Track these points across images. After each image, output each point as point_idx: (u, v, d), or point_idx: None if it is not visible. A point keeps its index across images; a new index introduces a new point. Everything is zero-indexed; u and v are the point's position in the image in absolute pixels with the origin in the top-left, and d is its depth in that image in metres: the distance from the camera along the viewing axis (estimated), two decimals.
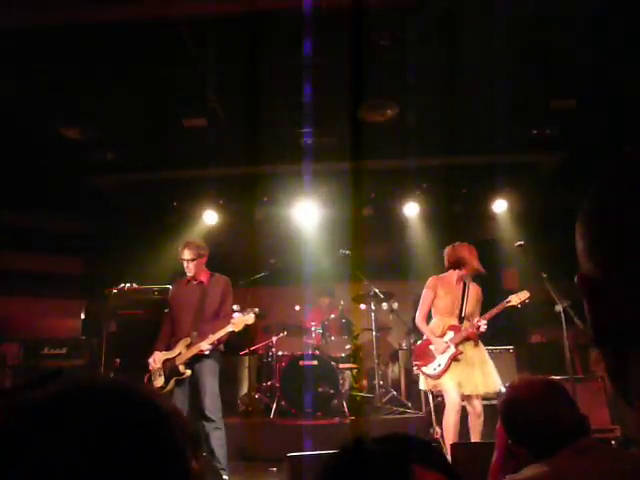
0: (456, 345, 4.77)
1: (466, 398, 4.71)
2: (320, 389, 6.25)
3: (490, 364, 4.82)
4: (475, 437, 4.64)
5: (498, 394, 4.93)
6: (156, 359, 4.68)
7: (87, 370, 6.59)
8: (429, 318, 5.07)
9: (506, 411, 1.87)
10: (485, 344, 5.04)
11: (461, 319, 4.91)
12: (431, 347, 4.87)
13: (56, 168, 7.01)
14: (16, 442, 0.55)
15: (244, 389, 6.99)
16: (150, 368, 4.68)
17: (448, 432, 4.61)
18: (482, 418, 4.67)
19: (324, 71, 5.20)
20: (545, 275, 4.63)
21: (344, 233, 7.66)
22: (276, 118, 6.18)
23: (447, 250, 5.07)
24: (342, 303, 7.41)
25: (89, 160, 6.97)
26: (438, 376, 4.75)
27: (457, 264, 4.96)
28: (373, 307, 6.94)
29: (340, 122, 6.13)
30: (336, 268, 7.55)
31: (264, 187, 7.96)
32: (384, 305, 6.96)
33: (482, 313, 4.95)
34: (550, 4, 4.54)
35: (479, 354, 4.85)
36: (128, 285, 5.70)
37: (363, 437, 0.94)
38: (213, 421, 4.51)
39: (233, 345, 6.27)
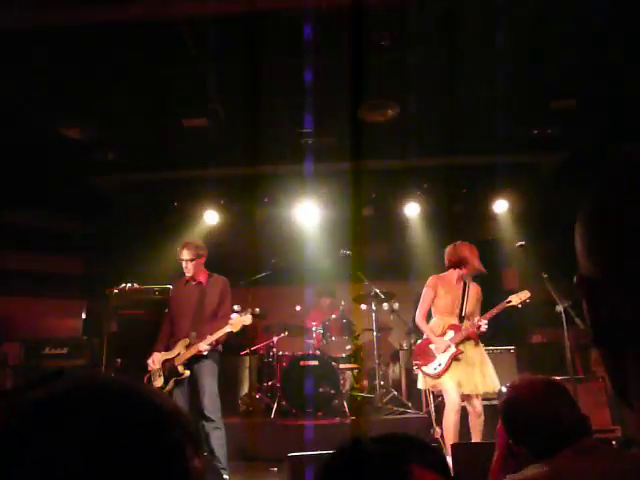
0: (456, 344, 4.77)
1: (466, 398, 4.71)
2: (321, 389, 6.25)
3: (489, 364, 4.82)
4: (476, 437, 4.64)
5: (499, 394, 4.94)
6: (155, 360, 4.70)
7: (88, 370, 6.59)
8: (429, 317, 5.07)
9: (507, 411, 1.87)
10: (486, 344, 5.04)
11: (461, 318, 4.91)
12: (431, 346, 4.86)
13: (56, 168, 7.02)
14: (16, 442, 0.55)
15: (245, 389, 6.99)
16: (149, 369, 4.70)
17: (448, 432, 4.61)
18: (482, 418, 4.67)
19: (324, 71, 5.20)
20: (546, 275, 4.63)
21: (345, 233, 7.66)
22: (276, 118, 6.18)
23: (448, 249, 5.06)
24: (343, 303, 7.41)
25: (89, 160, 6.98)
26: (438, 375, 4.74)
27: (458, 263, 4.96)
28: (374, 307, 6.94)
29: (340, 122, 6.13)
30: (337, 268, 7.55)
31: (265, 187, 7.96)
32: (385, 305, 6.96)
33: (482, 313, 4.94)
34: (550, 4, 4.54)
35: (479, 354, 4.85)
36: (129, 285, 5.70)
37: (361, 437, 0.94)
38: (213, 421, 4.52)
39: (234, 345, 6.29)
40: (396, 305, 6.88)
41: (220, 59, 5.10)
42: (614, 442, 4.92)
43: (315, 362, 6.40)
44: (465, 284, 4.99)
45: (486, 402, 4.90)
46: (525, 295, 4.84)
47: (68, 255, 8.85)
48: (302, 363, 6.39)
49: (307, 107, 5.69)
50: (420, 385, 5.05)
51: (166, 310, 5.03)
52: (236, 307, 4.96)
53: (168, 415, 0.62)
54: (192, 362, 4.63)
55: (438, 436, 4.96)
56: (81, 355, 6.96)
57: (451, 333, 4.83)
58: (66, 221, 8.66)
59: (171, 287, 5.21)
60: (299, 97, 5.52)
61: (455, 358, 4.74)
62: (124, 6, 4.52)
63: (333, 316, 7.16)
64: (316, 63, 5.03)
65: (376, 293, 6.69)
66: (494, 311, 4.86)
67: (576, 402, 1.84)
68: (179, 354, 4.64)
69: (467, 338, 4.81)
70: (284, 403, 6.29)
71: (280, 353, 6.79)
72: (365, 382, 7.17)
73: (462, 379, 4.68)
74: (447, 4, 4.61)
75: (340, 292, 7.72)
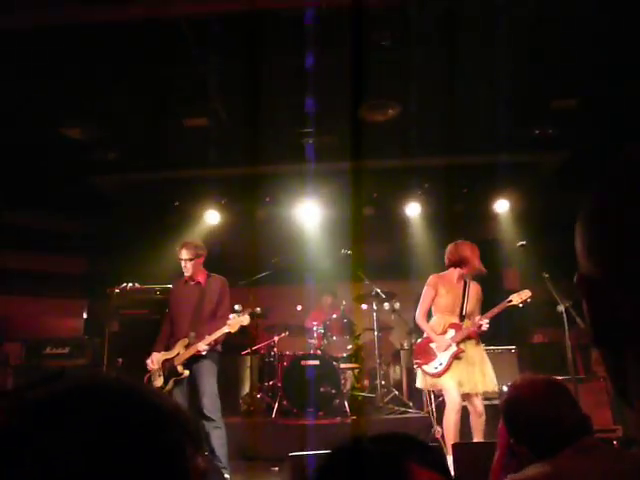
0: (457, 343, 4.76)
1: (466, 397, 4.71)
2: (322, 389, 6.25)
3: (489, 364, 4.82)
4: (478, 437, 4.64)
5: (500, 393, 4.94)
6: (154, 360, 4.71)
7: (89, 370, 6.59)
8: (429, 316, 5.06)
9: (508, 410, 1.87)
10: (487, 344, 5.04)
11: (462, 317, 4.90)
12: (432, 345, 4.86)
13: (57, 168, 7.02)
14: (17, 441, 0.55)
15: (246, 389, 6.99)
16: (149, 369, 4.70)
17: (449, 432, 4.61)
18: (484, 417, 4.67)
19: (325, 71, 5.19)
20: (547, 275, 4.63)
21: (345, 233, 7.65)
22: (277, 118, 6.18)
23: (449, 248, 5.05)
24: (344, 303, 7.42)
25: (90, 160, 6.98)
26: (439, 375, 4.74)
27: (458, 263, 4.95)
28: (375, 307, 6.95)
29: (341, 122, 6.12)
30: (338, 268, 7.55)
31: (265, 187, 7.97)
32: (386, 305, 6.96)
33: (482, 312, 4.94)
34: (550, 4, 4.53)
35: (479, 353, 4.85)
36: (130, 285, 5.70)
37: (359, 436, 0.94)
38: (213, 420, 4.52)
39: (235, 345, 6.29)
40: (397, 305, 6.88)
41: (220, 58, 5.11)
42: (615, 442, 4.92)
43: (316, 362, 6.40)
44: (465, 283, 4.98)
45: (487, 402, 4.90)
46: (526, 294, 4.83)
47: (69, 255, 8.86)
48: (303, 363, 6.39)
49: (308, 107, 5.69)
50: (418, 384, 5.04)
51: (167, 310, 5.04)
52: (237, 307, 4.96)
53: (168, 415, 0.62)
54: (191, 362, 4.64)
55: (439, 436, 4.95)
56: (82, 355, 6.96)
57: (452, 332, 4.83)
58: (66, 221, 8.67)
59: (171, 287, 5.22)
60: (300, 97, 5.52)
61: (456, 357, 4.74)
62: (124, 6, 4.52)
63: (334, 316, 7.16)
64: (317, 62, 5.03)
65: (377, 293, 6.70)
66: (495, 310, 4.85)
67: (577, 402, 1.84)
68: (178, 354, 4.65)
69: (468, 337, 4.81)
70: (285, 403, 6.29)
71: (281, 353, 6.80)
72: (366, 382, 7.18)
73: (463, 378, 4.68)
74: (447, 4, 4.61)
75: (341, 292, 7.73)
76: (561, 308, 4.46)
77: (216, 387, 4.67)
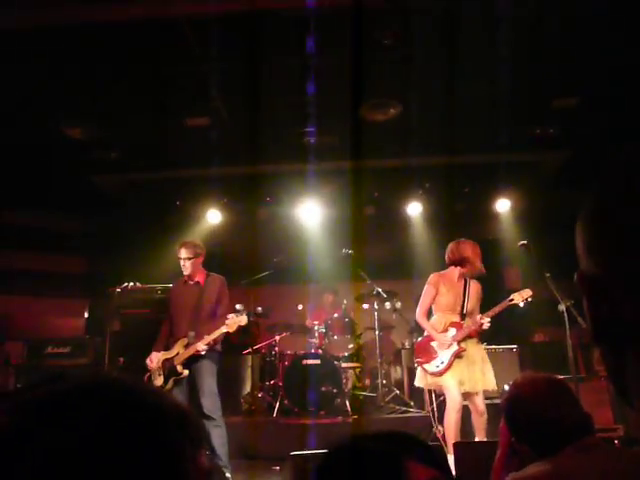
0: (459, 342, 4.76)
1: (467, 396, 4.71)
2: (323, 388, 6.24)
3: (488, 364, 4.81)
4: (480, 435, 4.64)
5: (501, 392, 4.93)
6: (153, 359, 4.71)
7: (90, 369, 6.60)
8: (429, 315, 5.06)
9: (509, 409, 1.87)
10: (488, 343, 5.03)
11: (462, 316, 4.90)
12: (433, 344, 4.85)
13: (58, 167, 7.03)
14: (18, 439, 0.55)
15: (247, 388, 6.99)
16: (149, 368, 4.71)
17: (449, 431, 4.61)
18: (485, 416, 4.66)
19: (326, 70, 5.20)
20: (548, 274, 4.62)
21: (346, 232, 7.65)
22: (278, 117, 6.18)
23: (450, 246, 5.03)
24: (345, 302, 7.42)
25: (91, 159, 6.99)
26: (440, 373, 4.74)
27: (459, 262, 4.94)
28: (376, 306, 6.94)
29: (342, 121, 6.13)
30: (339, 267, 7.55)
31: (267, 186, 7.97)
32: (387, 304, 6.96)
33: (482, 311, 4.93)
34: (550, 4, 4.53)
35: (480, 352, 4.84)
36: (131, 284, 5.71)
37: (358, 434, 0.94)
38: (213, 419, 4.52)
39: (236, 344, 6.29)
40: (398, 304, 6.89)
41: (222, 58, 5.11)
42: (616, 441, 4.92)
43: (317, 361, 6.40)
44: (466, 282, 4.98)
45: (488, 401, 4.89)
46: (527, 293, 4.82)
47: (70, 254, 8.86)
48: (304, 362, 6.39)
49: (309, 106, 5.69)
50: (418, 382, 5.02)
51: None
52: (238, 306, 4.96)
53: (169, 414, 0.62)
54: (191, 362, 4.64)
55: (440, 435, 4.96)
56: (83, 354, 6.96)
57: (453, 330, 4.82)
58: (67, 220, 8.68)
59: (171, 287, 5.22)
60: (301, 96, 5.52)
61: (457, 356, 4.73)
62: (124, 6, 4.52)
63: (335, 315, 7.16)
64: (318, 62, 5.03)
65: (378, 292, 6.69)
66: (497, 309, 4.84)
67: (578, 401, 1.84)
68: (178, 354, 4.66)
69: (468, 336, 4.80)
70: (286, 402, 6.29)
71: (282, 352, 6.80)
72: (367, 381, 7.19)
73: (464, 377, 4.67)
74: (447, 4, 4.61)
75: (342, 291, 7.73)
76: (562, 307, 4.45)
77: (215, 386, 4.67)
